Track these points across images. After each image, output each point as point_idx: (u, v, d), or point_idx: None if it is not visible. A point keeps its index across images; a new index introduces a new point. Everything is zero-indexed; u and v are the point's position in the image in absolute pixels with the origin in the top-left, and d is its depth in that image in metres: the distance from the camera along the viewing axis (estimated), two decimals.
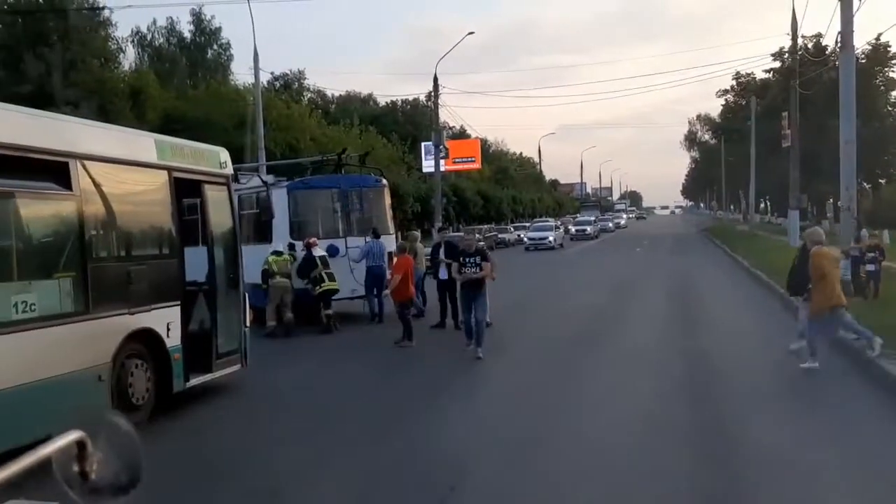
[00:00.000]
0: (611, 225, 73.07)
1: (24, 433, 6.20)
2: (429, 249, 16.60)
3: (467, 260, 11.65)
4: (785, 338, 11.15)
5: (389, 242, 16.39)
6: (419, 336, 12.87)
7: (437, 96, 40.83)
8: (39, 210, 7.36)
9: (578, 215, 75.05)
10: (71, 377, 6.99)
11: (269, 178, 15.81)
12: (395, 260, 14.15)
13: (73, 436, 1.34)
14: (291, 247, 15.10)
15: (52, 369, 6.77)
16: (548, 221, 54.89)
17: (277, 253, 14.52)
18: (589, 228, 57.34)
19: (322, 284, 14.42)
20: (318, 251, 14.68)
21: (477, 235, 18.30)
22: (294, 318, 14.48)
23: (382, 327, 14.86)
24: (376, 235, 15.67)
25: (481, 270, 11.54)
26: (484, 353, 11.25)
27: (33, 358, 6.63)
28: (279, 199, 14.79)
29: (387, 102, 72.13)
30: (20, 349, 6.51)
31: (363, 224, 16.21)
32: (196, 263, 9.53)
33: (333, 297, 14.73)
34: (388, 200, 17.58)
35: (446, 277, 14.02)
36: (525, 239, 45.03)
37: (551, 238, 43.84)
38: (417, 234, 17.76)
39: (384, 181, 18.01)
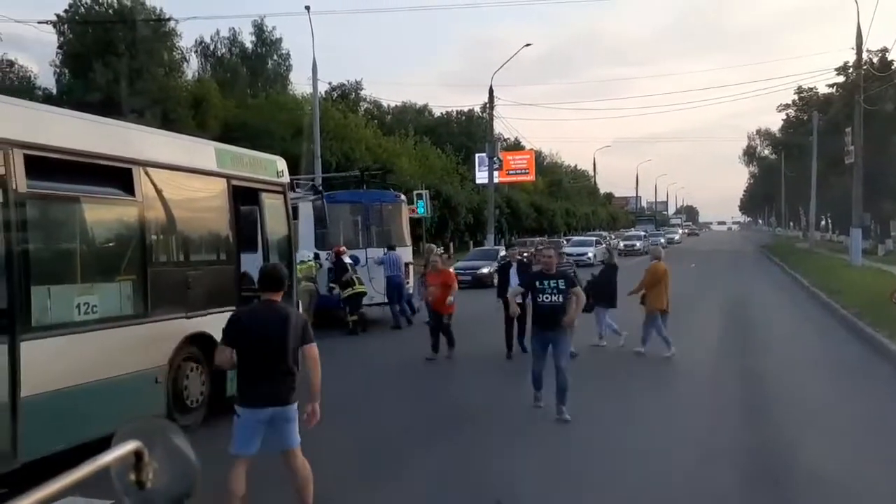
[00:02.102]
0: (663, 240, 69.88)
1: (82, 432, 6.40)
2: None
3: (544, 285, 8.61)
4: (847, 359, 10.86)
5: (406, 254, 17.63)
6: (465, 351, 12.84)
7: (492, 107, 40.89)
8: (103, 215, 7.58)
9: (633, 229, 73.79)
10: (129, 378, 7.17)
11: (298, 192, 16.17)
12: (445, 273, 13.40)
13: (130, 445, 1.38)
14: (316, 256, 15.89)
15: (111, 370, 6.95)
16: (594, 235, 53.59)
17: (301, 262, 15.00)
18: (639, 244, 54.27)
19: (354, 287, 15.46)
20: (346, 258, 15.78)
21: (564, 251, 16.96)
22: (314, 321, 14.97)
23: (425, 337, 14.98)
24: (392, 248, 16.86)
25: (564, 301, 8.53)
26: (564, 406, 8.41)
27: (93, 358, 6.82)
28: (305, 212, 15.29)
29: (442, 113, 72.51)
30: (81, 350, 6.70)
31: (382, 236, 17.53)
32: (252, 270, 9.69)
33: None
34: (405, 215, 18.99)
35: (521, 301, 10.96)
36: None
37: (591, 254, 41.13)
38: (433, 246, 18.83)
39: (402, 197, 19.58)
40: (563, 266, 11.54)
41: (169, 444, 1.44)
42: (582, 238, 49.08)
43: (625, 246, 54.25)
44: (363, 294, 15.77)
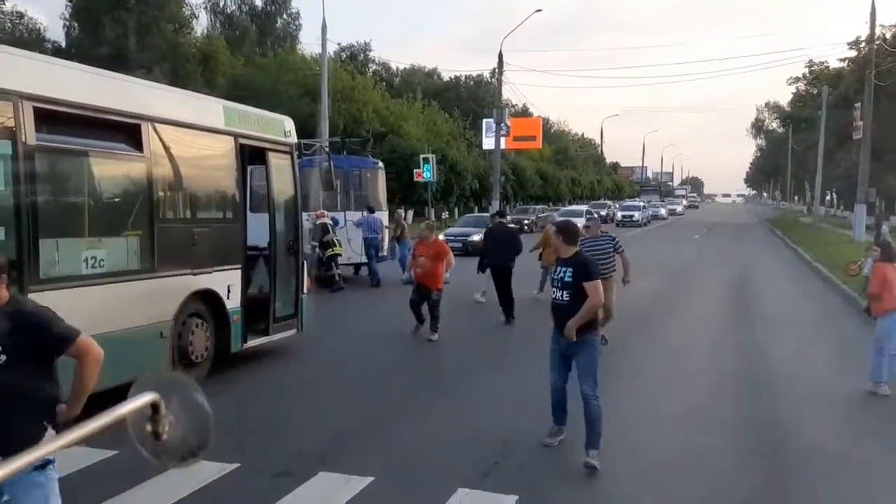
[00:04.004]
0: (663, 212, 66.14)
1: None
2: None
3: (555, 274, 6.42)
4: (847, 335, 10.91)
5: (382, 218, 18.69)
6: (467, 315, 12.91)
7: (501, 73, 40.52)
8: (111, 170, 7.62)
9: (638, 199, 73.03)
10: (134, 332, 7.26)
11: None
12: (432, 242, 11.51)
13: (148, 397, 1.43)
14: None
15: (117, 324, 7.01)
16: (587, 204, 51.82)
17: None
18: (637, 215, 51.40)
19: (333, 248, 16.33)
20: (326, 220, 16.58)
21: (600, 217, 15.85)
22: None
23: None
24: (371, 210, 17.83)
25: (571, 298, 6.12)
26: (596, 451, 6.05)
27: (99, 312, 6.87)
28: None
29: (450, 77, 72.00)
30: (87, 303, 6.77)
31: (360, 200, 18.73)
32: (257, 229, 9.76)
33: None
34: (383, 181, 20.32)
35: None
36: (551, 225, 40.44)
37: (580, 225, 39.51)
38: (401, 212, 20.34)
39: (380, 164, 20.95)
40: (597, 241, 10.42)
41: (185, 398, 1.48)
42: (571, 208, 46.13)
43: (622, 217, 51.89)
44: (339, 255, 16.68)
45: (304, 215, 16.37)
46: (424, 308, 11.22)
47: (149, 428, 1.45)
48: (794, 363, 10.18)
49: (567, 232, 6.53)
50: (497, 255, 12.84)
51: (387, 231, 18.87)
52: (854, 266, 16.14)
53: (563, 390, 6.42)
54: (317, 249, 16.30)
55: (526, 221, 37.07)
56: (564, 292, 6.19)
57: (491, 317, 12.98)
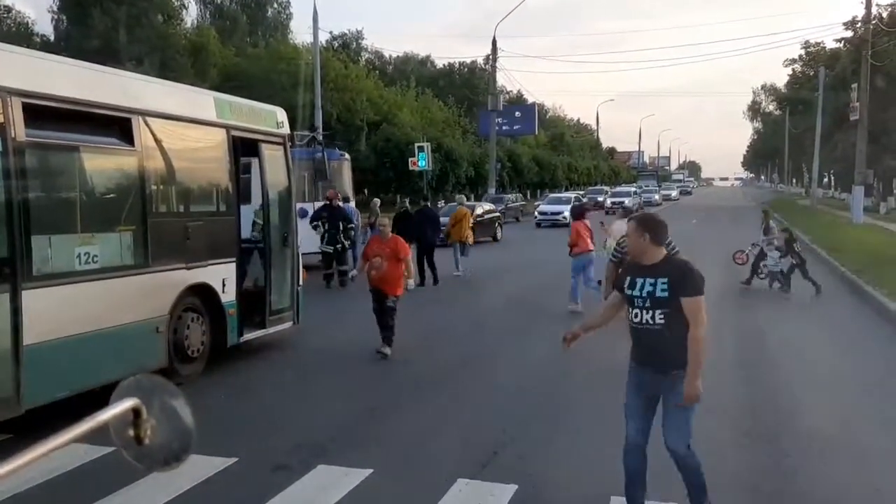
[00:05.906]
0: (657, 197, 64.40)
1: (85, 379, 6.49)
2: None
3: (634, 287, 4.51)
4: (845, 318, 10.91)
5: (352, 208, 19.40)
6: (462, 305, 12.88)
7: (495, 59, 40.45)
8: (102, 164, 7.56)
9: (635, 185, 72.88)
10: (130, 328, 7.23)
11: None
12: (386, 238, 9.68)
13: (129, 403, 1.42)
14: None
15: (113, 319, 7.00)
16: (565, 194, 51.36)
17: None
18: (627, 201, 46.95)
19: (353, 237, 16.72)
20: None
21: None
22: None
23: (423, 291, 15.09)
24: (346, 201, 18.44)
25: (666, 321, 4.41)
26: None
27: (95, 308, 6.86)
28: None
29: (444, 65, 71.93)
30: (82, 299, 6.75)
31: (327, 191, 19.01)
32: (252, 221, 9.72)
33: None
34: (349, 172, 21.45)
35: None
36: (536, 213, 38.76)
37: (567, 213, 36.44)
38: (377, 200, 21.04)
39: (347, 155, 22.32)
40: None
41: (167, 403, 1.47)
42: (557, 196, 45.17)
43: (612, 204, 49.31)
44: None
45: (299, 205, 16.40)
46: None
47: (130, 433, 1.44)
48: (792, 346, 10.18)
49: (653, 227, 4.60)
50: (424, 233, 15.96)
51: (360, 220, 19.27)
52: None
53: (642, 452, 4.71)
54: (339, 236, 16.18)
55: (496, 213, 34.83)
56: (656, 312, 4.43)
57: (481, 307, 12.98)
